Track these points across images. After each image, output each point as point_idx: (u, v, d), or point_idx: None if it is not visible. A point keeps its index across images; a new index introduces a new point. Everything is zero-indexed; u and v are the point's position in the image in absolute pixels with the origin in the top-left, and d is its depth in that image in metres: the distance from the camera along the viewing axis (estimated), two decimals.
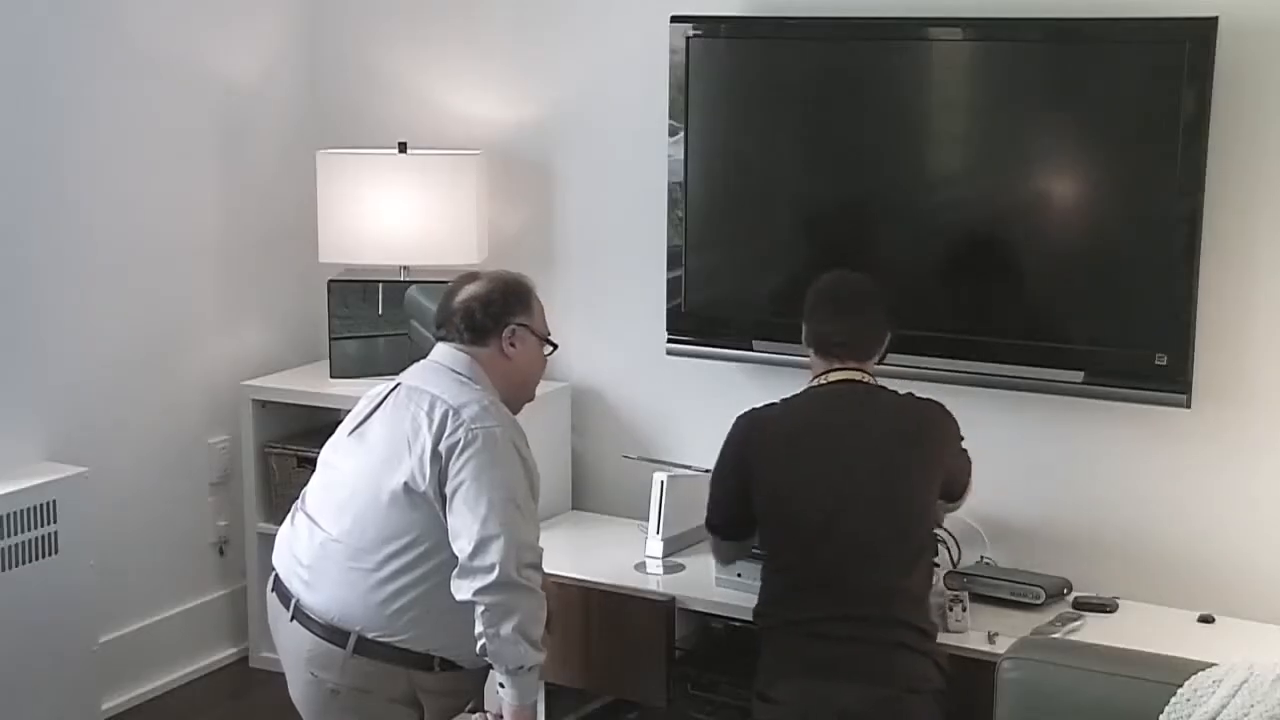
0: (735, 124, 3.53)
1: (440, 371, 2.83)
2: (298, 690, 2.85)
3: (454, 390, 2.77)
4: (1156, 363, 3.11)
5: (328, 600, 2.74)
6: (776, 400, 3.01)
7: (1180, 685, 2.20)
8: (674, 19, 3.48)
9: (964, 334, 3.30)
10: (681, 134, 3.51)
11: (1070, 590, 3.24)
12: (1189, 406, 3.12)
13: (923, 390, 3.31)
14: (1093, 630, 3.04)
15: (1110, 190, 3.21)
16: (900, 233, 3.41)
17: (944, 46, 3.37)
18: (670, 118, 3.51)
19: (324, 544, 2.77)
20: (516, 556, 2.67)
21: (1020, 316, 3.30)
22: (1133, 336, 3.15)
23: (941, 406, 2.96)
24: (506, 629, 2.66)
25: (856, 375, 2.92)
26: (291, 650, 2.82)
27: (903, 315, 3.31)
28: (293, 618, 2.78)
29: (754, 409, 3.01)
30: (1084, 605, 3.18)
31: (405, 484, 2.71)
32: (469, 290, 2.88)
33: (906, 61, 3.40)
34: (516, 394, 2.91)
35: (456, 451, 2.69)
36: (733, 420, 2.99)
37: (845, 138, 3.45)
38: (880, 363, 3.02)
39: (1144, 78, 3.15)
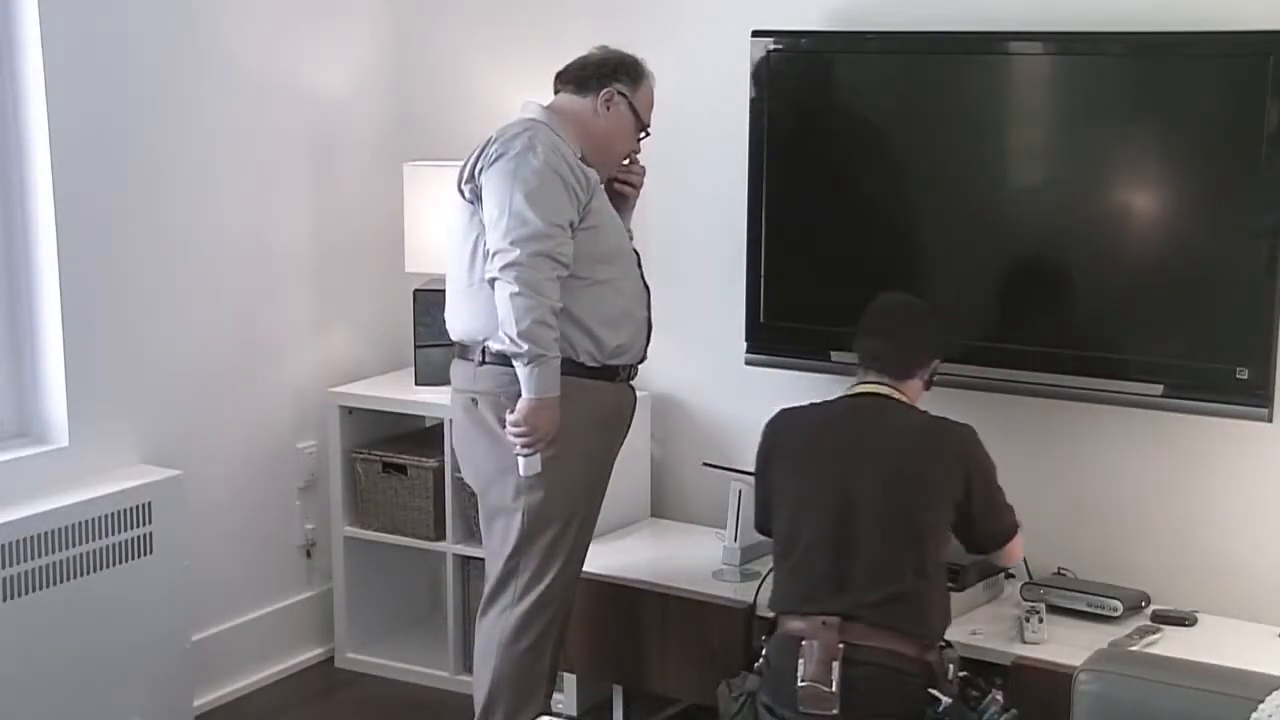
0: (814, 137, 3.56)
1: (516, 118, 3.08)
2: (454, 416, 3.22)
3: (510, 122, 3.03)
4: (1238, 376, 3.09)
5: (455, 327, 3.15)
6: (809, 402, 3.07)
7: (1261, 700, 2.19)
8: (755, 33, 3.51)
9: (1043, 347, 3.30)
10: (761, 146, 3.54)
11: (1148, 603, 3.24)
12: (1270, 420, 3.11)
13: (1002, 401, 3.33)
14: (1171, 644, 3.04)
15: (1192, 204, 3.20)
16: (979, 245, 3.42)
17: (1024, 60, 3.37)
18: (750, 131, 3.55)
19: (448, 291, 3.15)
20: (521, 239, 2.88)
21: (1100, 329, 3.29)
22: (1214, 350, 3.14)
23: (970, 431, 2.91)
24: (504, 310, 2.90)
25: (884, 390, 2.94)
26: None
27: (980, 327, 3.34)
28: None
29: (784, 409, 3.06)
30: (1162, 618, 3.17)
31: (462, 196, 3.04)
32: (593, 51, 3.19)
33: (987, 75, 3.41)
34: (595, 155, 3.10)
35: (489, 159, 2.98)
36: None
37: (925, 150, 3.47)
38: (929, 387, 3.03)
39: (1227, 91, 3.14)
